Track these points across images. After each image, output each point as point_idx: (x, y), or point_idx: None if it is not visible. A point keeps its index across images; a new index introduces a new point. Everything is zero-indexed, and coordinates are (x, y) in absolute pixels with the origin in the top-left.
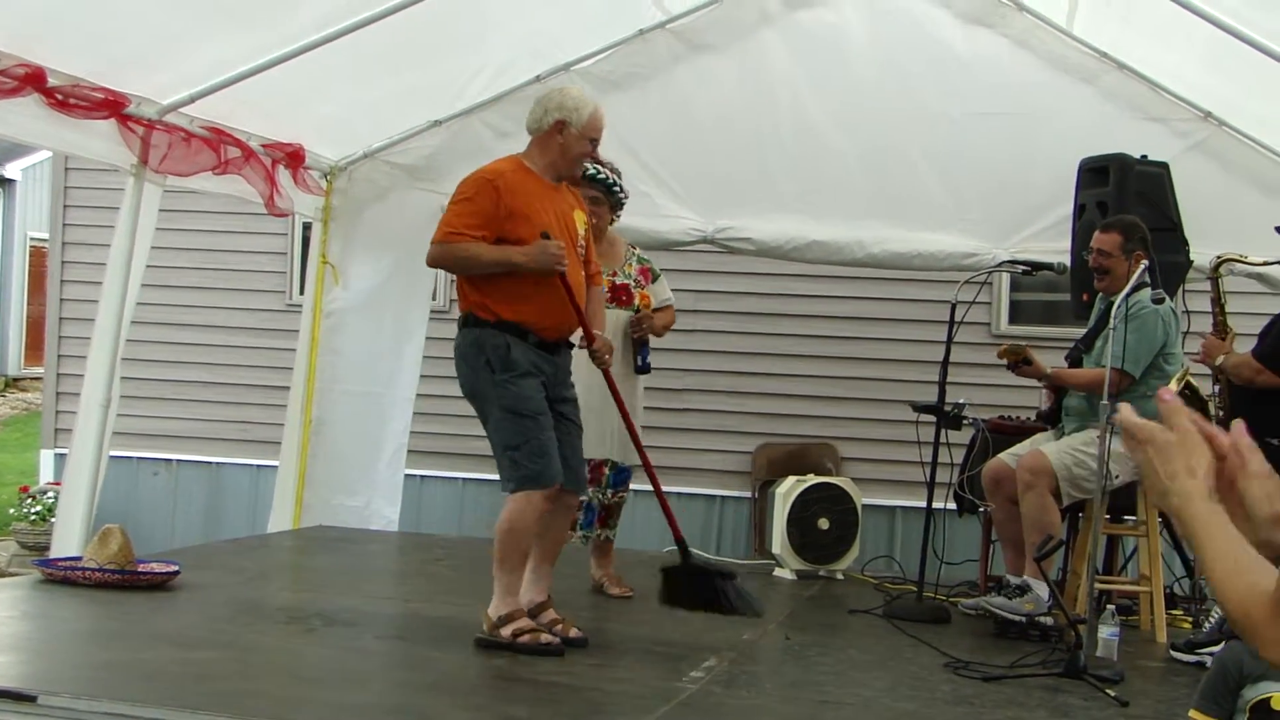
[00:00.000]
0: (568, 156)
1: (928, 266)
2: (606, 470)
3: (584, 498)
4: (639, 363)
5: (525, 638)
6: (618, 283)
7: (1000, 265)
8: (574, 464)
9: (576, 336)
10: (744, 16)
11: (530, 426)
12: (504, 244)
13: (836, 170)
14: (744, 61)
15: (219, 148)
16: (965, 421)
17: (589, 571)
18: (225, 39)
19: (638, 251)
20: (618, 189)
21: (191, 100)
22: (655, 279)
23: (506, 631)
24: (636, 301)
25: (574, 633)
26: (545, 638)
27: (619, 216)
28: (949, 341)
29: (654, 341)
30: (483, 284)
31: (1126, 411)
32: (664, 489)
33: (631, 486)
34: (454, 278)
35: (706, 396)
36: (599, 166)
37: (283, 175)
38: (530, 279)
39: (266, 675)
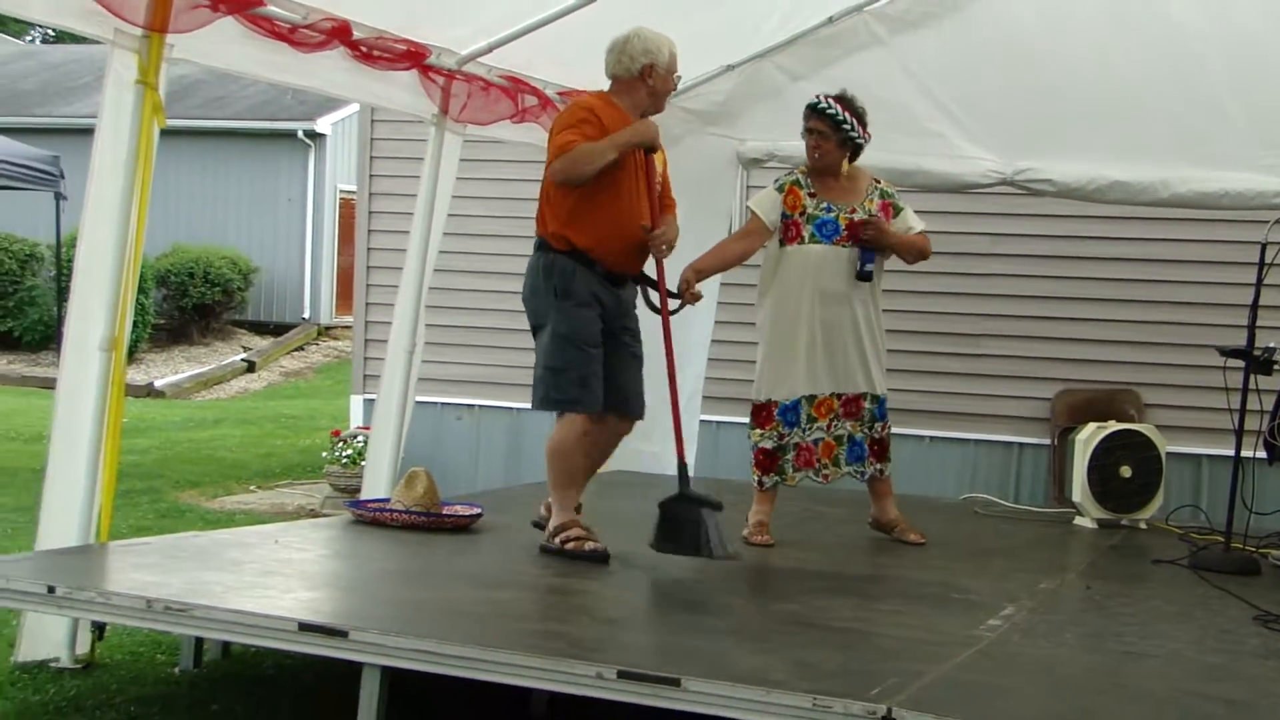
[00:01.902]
0: (656, 96)
1: (1236, 206)
2: (865, 403)
3: (639, 420)
4: (860, 268)
5: (571, 544)
6: (855, 219)
7: None
8: (628, 390)
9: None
10: None
11: (577, 355)
12: (600, 177)
13: (1137, 109)
14: None
15: (516, 96)
16: (1276, 366)
17: (868, 511)
18: None
19: (881, 185)
20: (847, 126)
21: (489, 50)
22: (898, 213)
23: (558, 539)
24: None
25: (589, 545)
26: (590, 544)
27: (848, 154)
28: (1259, 284)
29: (936, 282)
30: (560, 211)
31: None
32: (962, 435)
33: (928, 432)
34: None
35: (1003, 342)
36: (829, 100)
37: None
38: (602, 205)
39: (566, 615)
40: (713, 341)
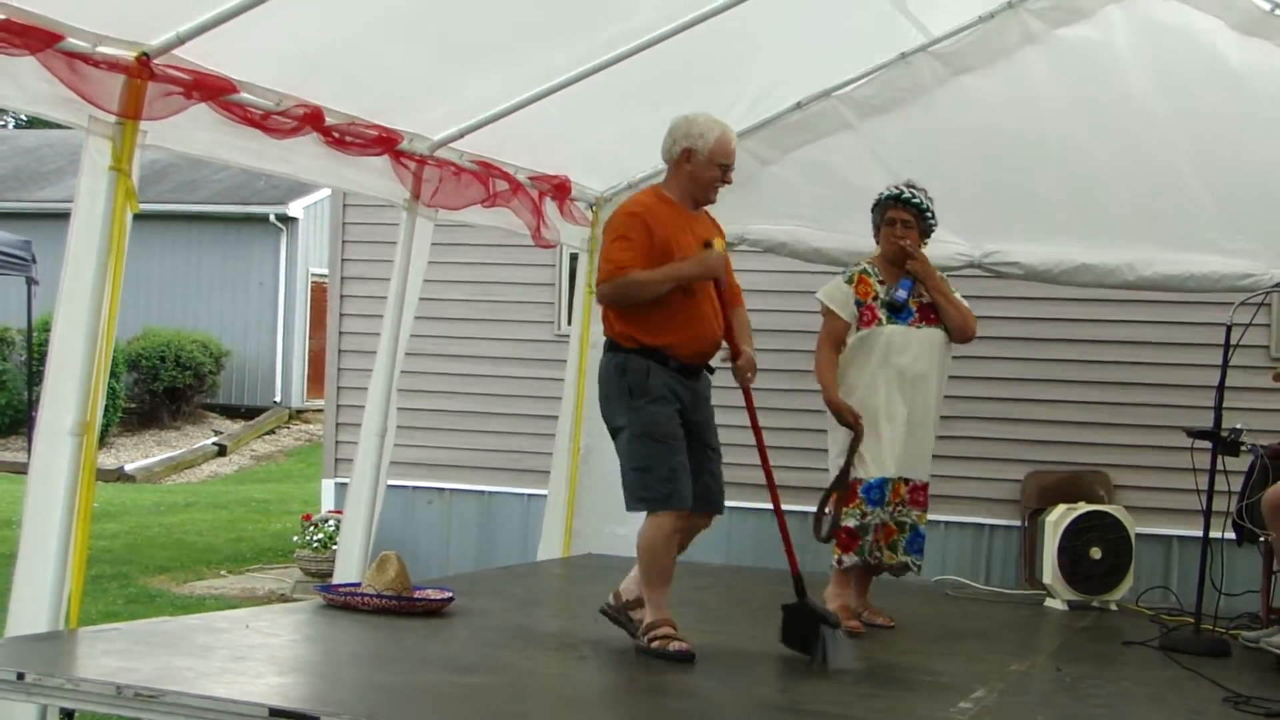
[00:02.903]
0: (698, 183)
1: (1202, 288)
2: (928, 493)
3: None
4: (891, 292)
5: (656, 643)
6: (924, 302)
7: (1279, 285)
8: (711, 486)
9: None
10: (1006, 36)
11: (662, 450)
12: None
13: (1104, 192)
14: (1007, 82)
15: (487, 181)
16: (1243, 448)
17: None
18: (491, 76)
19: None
20: (929, 215)
21: (461, 135)
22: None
23: (646, 637)
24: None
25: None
26: (675, 645)
27: (926, 242)
28: (1224, 365)
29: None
30: (625, 313)
31: None
32: (932, 517)
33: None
34: None
35: (973, 423)
36: (912, 190)
37: (549, 207)
38: (673, 306)
39: (538, 700)
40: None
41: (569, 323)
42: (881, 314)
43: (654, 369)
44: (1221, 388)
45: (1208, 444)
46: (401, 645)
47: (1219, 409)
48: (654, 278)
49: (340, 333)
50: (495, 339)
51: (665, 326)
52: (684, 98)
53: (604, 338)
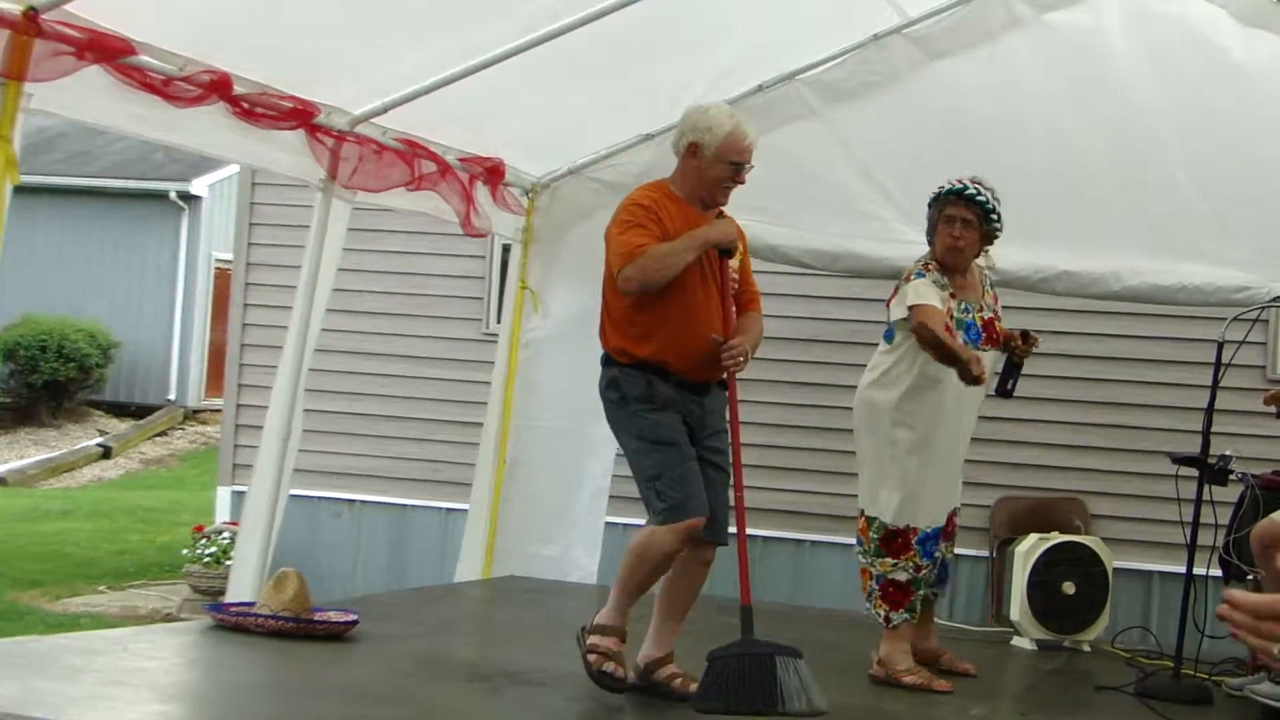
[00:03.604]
0: (705, 182)
1: (1193, 301)
2: (956, 519)
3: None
4: (1009, 387)
5: (593, 657)
6: (984, 317)
7: (1277, 300)
8: (717, 514)
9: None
10: (989, 19)
11: (669, 454)
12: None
13: (1090, 192)
14: (989, 69)
15: (413, 162)
16: (1232, 476)
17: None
18: (422, 45)
19: (984, 268)
20: (995, 216)
21: (385, 110)
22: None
23: (590, 640)
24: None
25: (693, 686)
26: (610, 666)
27: (988, 251)
28: (1215, 385)
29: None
30: (621, 324)
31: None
32: None
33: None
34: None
35: None
36: (979, 187)
37: (481, 192)
38: (669, 308)
39: None
40: None
41: (498, 321)
42: (959, 336)
43: (654, 381)
44: (1210, 410)
45: (1194, 471)
46: (297, 672)
47: (1207, 433)
48: (677, 247)
49: (244, 325)
50: (416, 336)
51: (660, 333)
52: (636, 76)
53: (601, 351)
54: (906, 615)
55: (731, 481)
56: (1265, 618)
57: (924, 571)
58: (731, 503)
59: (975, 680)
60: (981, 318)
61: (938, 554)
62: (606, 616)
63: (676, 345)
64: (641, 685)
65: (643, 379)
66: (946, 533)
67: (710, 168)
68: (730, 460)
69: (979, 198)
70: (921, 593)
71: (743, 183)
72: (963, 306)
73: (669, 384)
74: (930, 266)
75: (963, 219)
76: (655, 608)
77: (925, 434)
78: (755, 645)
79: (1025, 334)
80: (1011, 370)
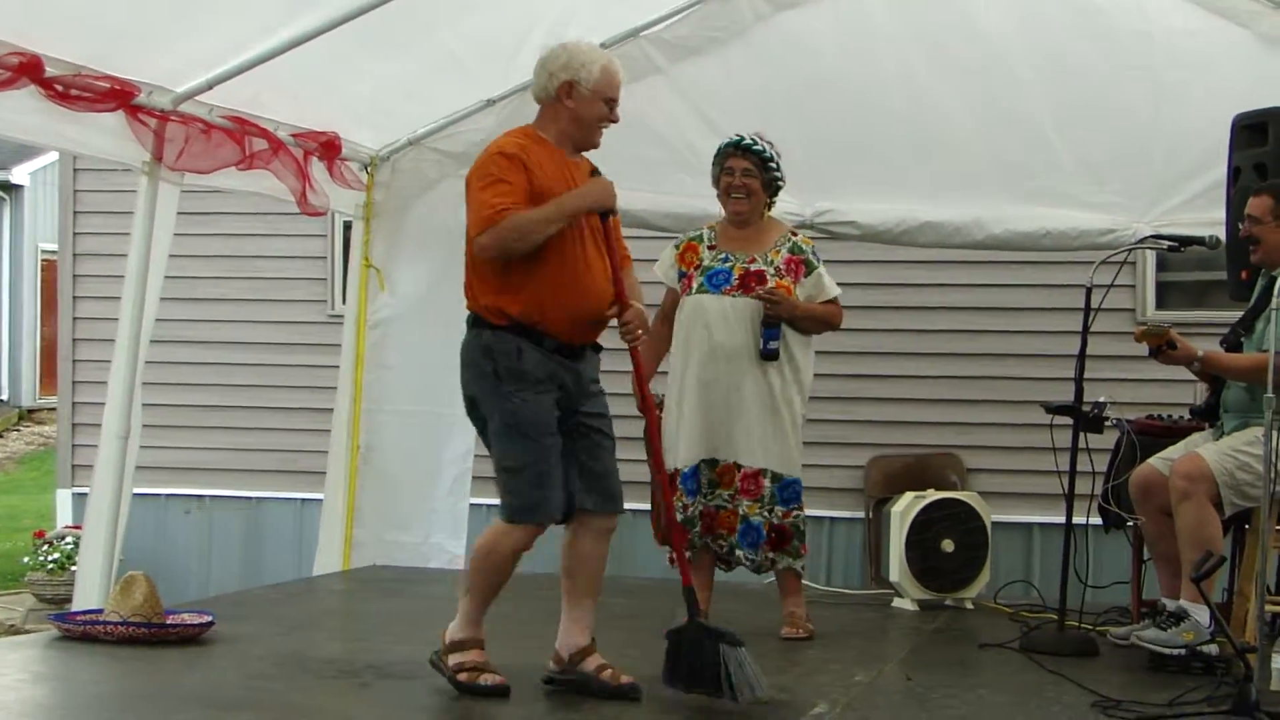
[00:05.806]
0: (581, 123)
1: (1059, 246)
2: (765, 481)
3: (618, 512)
4: (762, 347)
5: (463, 675)
6: (751, 269)
7: (1143, 241)
8: (604, 481)
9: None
10: None
11: (532, 449)
12: None
13: (951, 140)
14: (840, 19)
15: (243, 140)
16: (1108, 423)
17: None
18: (244, 14)
19: (796, 239)
20: (774, 165)
21: (210, 86)
22: (810, 271)
23: (452, 661)
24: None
25: (624, 679)
26: (486, 677)
27: (774, 202)
28: (1085, 331)
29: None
30: (492, 279)
31: None
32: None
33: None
34: None
35: (810, 404)
36: (757, 138)
37: (316, 168)
38: (548, 265)
39: None
40: None
41: (344, 301)
42: (696, 281)
43: (526, 349)
44: (1082, 357)
45: (1068, 420)
46: (152, 681)
47: (1080, 381)
48: (541, 215)
49: (74, 319)
50: (258, 322)
51: (541, 293)
52: (469, 35)
53: (467, 311)
54: (688, 554)
55: (645, 459)
56: None
57: (691, 510)
58: (637, 479)
59: (858, 643)
60: (743, 268)
61: (740, 506)
62: (460, 630)
63: (551, 303)
64: (563, 678)
65: (514, 345)
66: (748, 490)
67: (588, 107)
68: (610, 423)
69: (755, 147)
70: (696, 529)
71: (616, 120)
72: (721, 256)
73: (543, 350)
74: (711, 226)
75: (742, 169)
76: (563, 591)
77: (669, 381)
78: (709, 629)
79: (768, 293)
80: (768, 331)
